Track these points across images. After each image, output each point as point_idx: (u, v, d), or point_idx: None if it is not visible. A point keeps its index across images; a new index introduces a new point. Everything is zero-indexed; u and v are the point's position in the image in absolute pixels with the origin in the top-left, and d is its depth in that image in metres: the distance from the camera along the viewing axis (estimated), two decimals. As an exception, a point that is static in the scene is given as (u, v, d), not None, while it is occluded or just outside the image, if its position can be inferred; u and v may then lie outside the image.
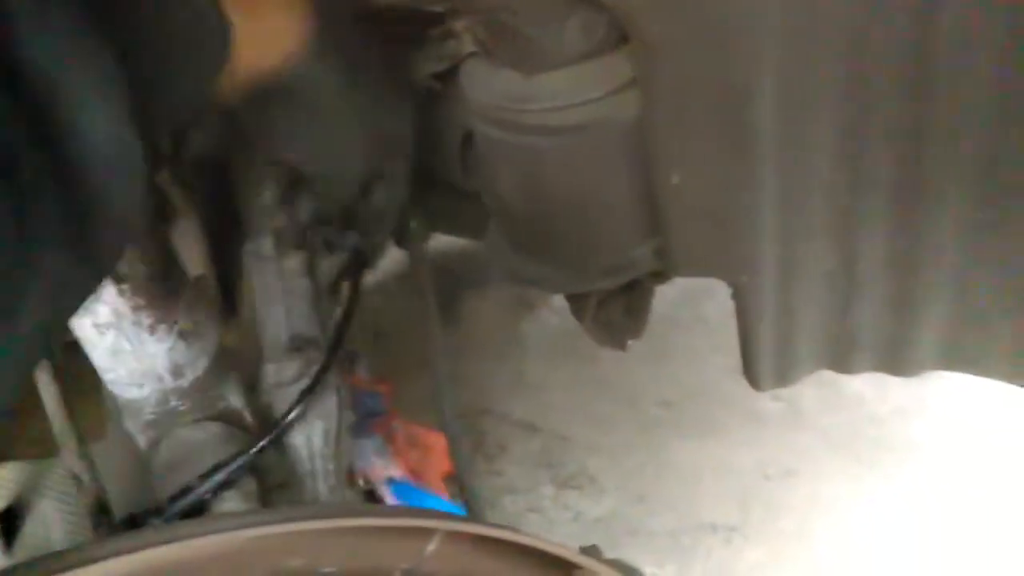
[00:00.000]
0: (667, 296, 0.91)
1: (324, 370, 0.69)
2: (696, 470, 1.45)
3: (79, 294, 0.44)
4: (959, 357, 0.81)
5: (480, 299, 1.75)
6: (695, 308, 1.63)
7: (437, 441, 1.39)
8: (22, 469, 0.87)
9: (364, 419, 1.10)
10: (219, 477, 0.62)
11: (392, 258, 1.71)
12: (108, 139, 0.40)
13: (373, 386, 1.25)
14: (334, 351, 0.71)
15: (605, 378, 1.60)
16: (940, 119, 0.63)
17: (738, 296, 0.77)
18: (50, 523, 0.83)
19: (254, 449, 0.64)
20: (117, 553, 0.43)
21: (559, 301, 1.78)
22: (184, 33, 0.49)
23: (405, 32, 0.83)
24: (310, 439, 0.67)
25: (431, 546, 0.49)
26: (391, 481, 0.96)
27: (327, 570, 0.48)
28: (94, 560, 0.42)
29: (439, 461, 1.38)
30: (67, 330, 0.46)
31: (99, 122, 0.39)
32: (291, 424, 0.66)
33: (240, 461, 0.63)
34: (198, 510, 0.60)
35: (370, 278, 1.70)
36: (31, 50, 0.37)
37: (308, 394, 0.67)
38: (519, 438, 1.56)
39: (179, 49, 0.49)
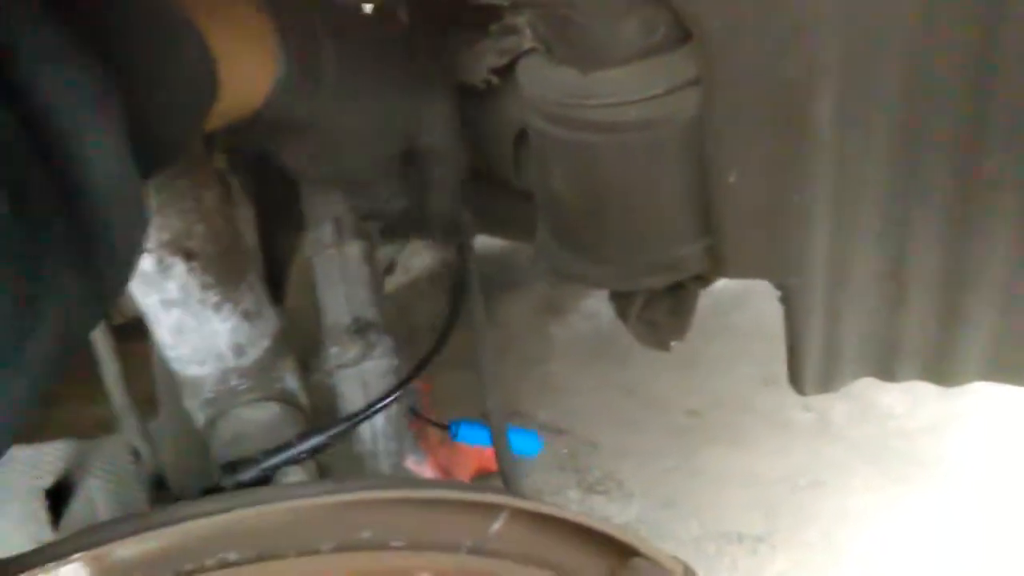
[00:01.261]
0: (698, 305, 0.91)
1: (429, 358, 0.70)
2: (723, 478, 1.45)
3: (88, 324, 0.44)
4: (1004, 367, 0.81)
5: (511, 303, 1.76)
6: (725, 318, 1.63)
7: (468, 440, 1.40)
8: (68, 448, 0.89)
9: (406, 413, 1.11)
10: (318, 439, 0.63)
11: (425, 258, 1.73)
12: (111, 173, 0.40)
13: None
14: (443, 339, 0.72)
15: (634, 384, 1.60)
16: (999, 130, 0.64)
17: (787, 299, 0.77)
18: (96, 501, 0.84)
19: (352, 422, 0.65)
20: (198, 515, 0.44)
21: (589, 307, 1.79)
22: (176, 73, 0.50)
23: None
24: (372, 419, 0.68)
25: (496, 524, 0.50)
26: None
27: (395, 543, 0.48)
28: (177, 521, 0.43)
29: (469, 459, 1.39)
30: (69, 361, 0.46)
31: (104, 155, 0.40)
32: (388, 405, 0.67)
33: (343, 426, 0.64)
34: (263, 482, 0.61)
35: (403, 277, 1.73)
36: (38, 81, 0.37)
37: (408, 381, 0.69)
38: (546, 441, 1.56)
39: (172, 88, 0.50)
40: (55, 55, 0.39)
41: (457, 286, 0.80)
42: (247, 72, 0.59)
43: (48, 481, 0.84)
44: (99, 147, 0.39)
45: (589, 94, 0.71)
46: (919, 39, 0.61)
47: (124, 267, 0.44)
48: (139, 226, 0.44)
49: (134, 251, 0.44)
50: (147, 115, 0.45)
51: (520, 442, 1.46)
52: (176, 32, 0.50)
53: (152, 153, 0.47)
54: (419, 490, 0.49)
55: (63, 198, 0.38)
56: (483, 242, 1.32)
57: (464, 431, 0.97)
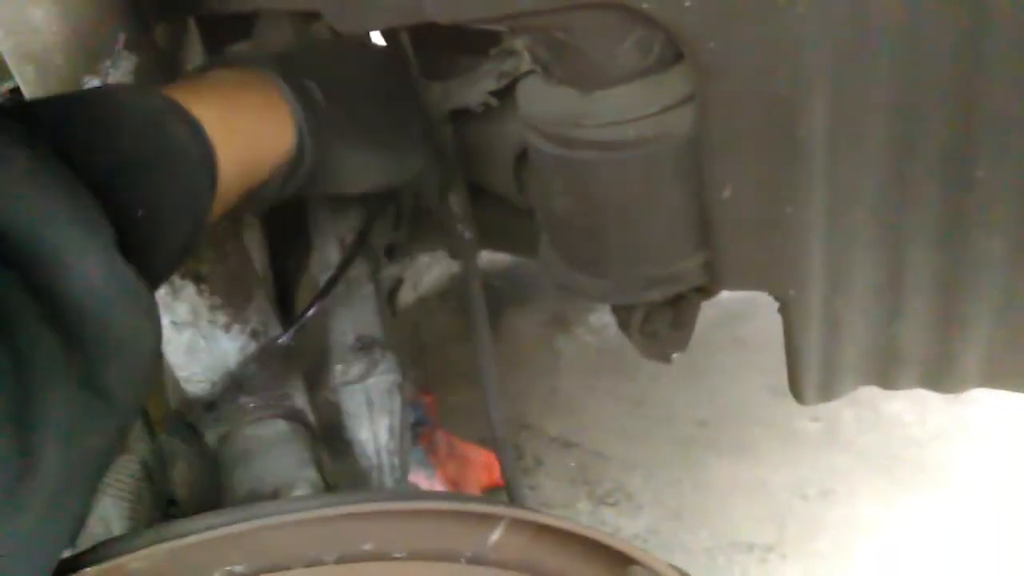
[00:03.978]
0: (705, 317, 0.92)
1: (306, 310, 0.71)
2: (733, 489, 1.45)
3: (99, 430, 0.43)
4: (1002, 374, 0.81)
5: (519, 317, 1.78)
6: (733, 329, 1.64)
7: (476, 454, 1.42)
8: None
9: (409, 429, 1.12)
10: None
11: (433, 275, 1.75)
12: (100, 276, 0.41)
13: (418, 397, 1.28)
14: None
15: (641, 396, 1.61)
16: (988, 137, 0.65)
17: (785, 310, 0.78)
18: (110, 519, 0.86)
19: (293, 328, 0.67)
20: (205, 529, 0.45)
21: (595, 320, 1.81)
22: (169, 168, 0.51)
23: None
24: (376, 434, 0.70)
25: (495, 535, 0.51)
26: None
27: (397, 554, 0.50)
28: (185, 535, 0.45)
29: (478, 473, 1.40)
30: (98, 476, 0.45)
31: (89, 262, 0.41)
32: (317, 311, 0.69)
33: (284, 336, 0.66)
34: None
35: (412, 294, 1.75)
36: (15, 209, 0.39)
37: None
38: (556, 454, 1.57)
39: (166, 186, 0.50)
40: (31, 179, 0.40)
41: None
42: (272, 133, 0.61)
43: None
44: (83, 255, 0.40)
45: (586, 114, 0.72)
46: (906, 51, 0.62)
47: (133, 361, 0.43)
48: (146, 324, 0.44)
49: (143, 342, 0.44)
50: (143, 230, 0.46)
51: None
52: (168, 145, 0.51)
53: (155, 263, 0.48)
54: (418, 502, 0.50)
55: (51, 312, 0.39)
56: (491, 257, 1.34)
57: None
